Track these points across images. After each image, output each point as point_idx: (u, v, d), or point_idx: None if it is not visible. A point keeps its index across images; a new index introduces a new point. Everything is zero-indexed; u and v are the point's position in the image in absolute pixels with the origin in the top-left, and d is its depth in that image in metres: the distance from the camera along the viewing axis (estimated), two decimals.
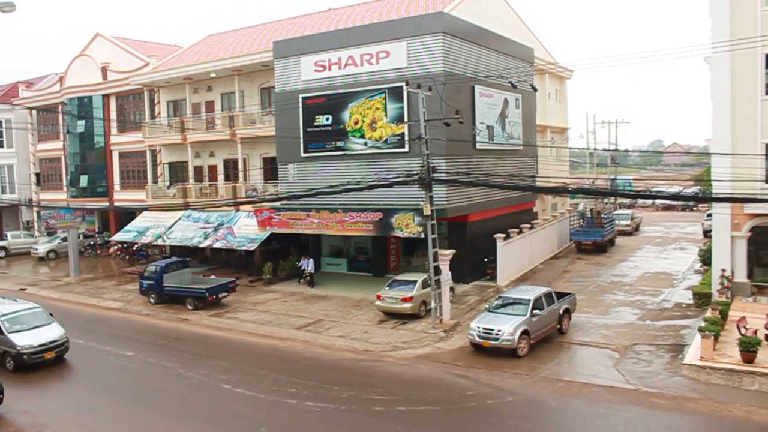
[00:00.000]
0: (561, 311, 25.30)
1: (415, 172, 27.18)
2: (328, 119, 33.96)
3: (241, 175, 41.29)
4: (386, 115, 32.07)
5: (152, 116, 47.93)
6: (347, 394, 19.70)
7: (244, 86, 41.50)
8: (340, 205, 32.19)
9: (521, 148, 38.28)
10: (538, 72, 45.19)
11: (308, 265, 35.36)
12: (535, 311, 23.53)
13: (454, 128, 28.66)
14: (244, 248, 36.85)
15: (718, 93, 27.86)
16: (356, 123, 33.03)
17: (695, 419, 17.66)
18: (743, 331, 21.58)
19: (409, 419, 17.72)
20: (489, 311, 24.43)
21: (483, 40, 34.59)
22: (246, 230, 37.42)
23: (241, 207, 38.40)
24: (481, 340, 23.06)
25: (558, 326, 25.15)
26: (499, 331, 22.69)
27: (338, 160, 33.82)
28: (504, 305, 24.31)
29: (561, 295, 26.05)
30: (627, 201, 67.99)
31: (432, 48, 31.00)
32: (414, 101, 28.43)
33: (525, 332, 22.94)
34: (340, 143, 33.65)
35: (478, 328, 23.21)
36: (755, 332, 21.40)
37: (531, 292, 24.81)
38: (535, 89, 40.22)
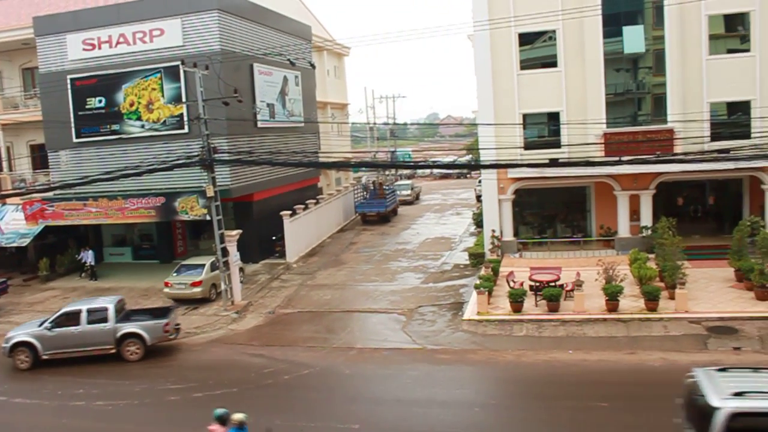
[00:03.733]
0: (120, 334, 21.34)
1: (196, 154, 26.55)
2: (101, 101, 32.02)
3: (5, 164, 37.71)
4: (163, 95, 30.91)
5: None
6: (140, 388, 19.00)
7: (2, 66, 37.78)
8: (119, 191, 30.60)
9: (303, 125, 38.69)
10: (317, 49, 45.77)
11: (88, 257, 33.26)
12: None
13: (234, 107, 28.32)
14: (14, 245, 33.81)
15: (480, 68, 30.09)
16: (132, 105, 31.50)
17: (475, 368, 19.32)
18: (512, 284, 23.80)
19: (205, 404, 17.43)
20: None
21: (260, 17, 34.35)
22: (16, 225, 34.22)
23: (8, 200, 35.10)
24: None
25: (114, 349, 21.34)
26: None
27: (115, 144, 32.07)
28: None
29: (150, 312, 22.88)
30: (407, 172, 71.13)
31: (208, 25, 30.27)
32: (191, 80, 27.65)
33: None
34: (115, 126, 31.92)
35: None
36: (521, 284, 23.73)
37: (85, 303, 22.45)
38: (313, 66, 40.75)
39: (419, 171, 74.39)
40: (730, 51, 28.69)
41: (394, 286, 28.67)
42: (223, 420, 12.42)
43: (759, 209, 28.81)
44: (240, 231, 27.86)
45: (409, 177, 69.19)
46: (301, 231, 35.48)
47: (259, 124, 33.33)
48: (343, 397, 17.93)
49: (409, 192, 55.38)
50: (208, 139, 25.78)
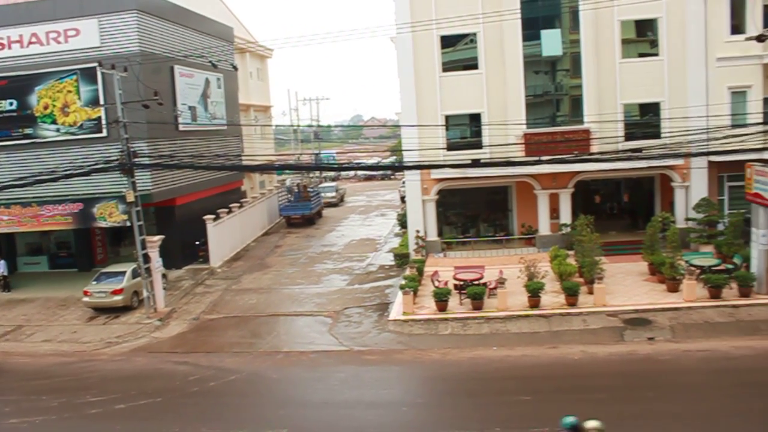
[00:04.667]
0: None
1: (115, 158, 25.87)
2: (12, 104, 30.77)
3: None
4: (80, 98, 29.97)
5: None
6: (58, 402, 18.28)
7: None
8: (34, 198, 29.43)
9: (226, 127, 38.18)
10: (239, 51, 45.27)
11: (1, 267, 31.90)
12: None
13: (155, 110, 27.73)
14: None
15: (403, 70, 30.38)
16: (46, 108, 30.41)
17: (402, 368, 19.51)
18: (436, 283, 24.13)
19: (129, 416, 17.07)
20: None
21: (181, 18, 33.72)
22: None
23: None
24: None
25: None
26: None
27: (28, 149, 30.84)
28: None
29: None
30: (331, 174, 71.09)
31: (126, 26, 29.52)
32: (109, 83, 26.93)
33: None
34: (29, 130, 30.71)
35: None
36: (446, 283, 24.09)
37: None
38: (235, 68, 40.29)
39: (344, 173, 74.47)
40: (641, 55, 29.87)
41: (320, 288, 28.63)
42: (576, 430, 10.62)
43: (669, 206, 30.10)
44: (162, 236, 27.29)
45: (333, 179, 69.16)
46: (225, 235, 35.02)
47: (181, 128, 32.73)
48: (271, 401, 17.80)
49: (333, 194, 55.38)
50: (127, 143, 25.17)
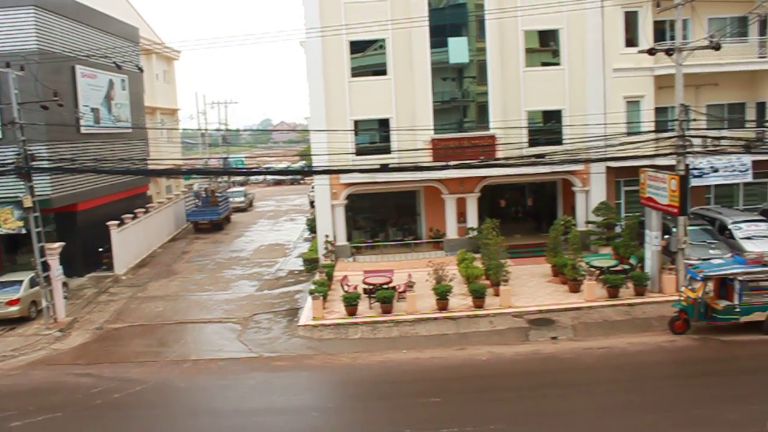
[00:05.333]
0: None
1: (10, 161, 24.73)
2: None
3: None
4: None
5: None
6: None
7: None
8: None
9: (130, 130, 37.10)
10: (145, 52, 44.12)
11: None
12: None
13: (55, 111, 26.63)
14: None
15: (313, 75, 30.37)
16: None
17: (312, 373, 19.48)
18: (346, 288, 24.23)
19: None
20: None
21: (83, 16, 32.52)
22: None
23: None
24: None
25: None
26: None
27: None
28: None
29: None
30: (240, 178, 70.18)
31: (23, 23, 28.16)
32: (5, 82, 25.68)
33: None
34: None
35: None
36: (355, 288, 24.23)
37: None
38: (141, 70, 39.22)
39: (253, 178, 73.74)
40: (544, 64, 30.95)
41: (229, 294, 28.24)
42: None
43: (571, 209, 31.28)
44: (62, 243, 26.23)
45: (242, 184, 68.36)
46: (130, 241, 34.02)
47: (83, 130, 31.54)
48: (179, 411, 17.44)
49: (242, 199, 54.71)
50: (24, 145, 24.11)
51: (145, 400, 17.95)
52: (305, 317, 23.73)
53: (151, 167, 38.08)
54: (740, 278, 19.78)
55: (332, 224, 30.89)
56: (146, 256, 35.97)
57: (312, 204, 44.38)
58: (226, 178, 62.66)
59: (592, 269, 24.65)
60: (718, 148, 26.25)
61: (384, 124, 30.66)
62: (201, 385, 19.08)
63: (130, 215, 34.36)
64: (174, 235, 42.12)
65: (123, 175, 33.75)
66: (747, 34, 30.74)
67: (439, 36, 29.84)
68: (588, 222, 30.11)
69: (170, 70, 53.26)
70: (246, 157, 73.11)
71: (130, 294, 29.02)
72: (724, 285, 20.50)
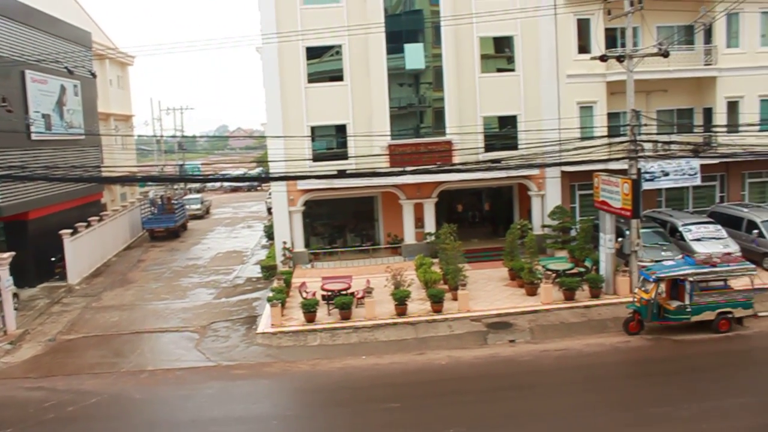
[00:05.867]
0: None
1: None
2: None
3: None
4: None
5: None
6: None
7: None
8: None
9: (83, 137, 36.41)
10: (98, 57, 43.38)
11: None
12: None
13: (4, 117, 26.11)
14: None
15: (269, 81, 30.26)
16: None
17: (271, 381, 19.37)
18: (304, 295, 24.15)
19: None
20: None
21: (32, 20, 31.81)
22: None
23: None
24: None
25: None
26: None
27: None
28: None
29: None
30: (197, 185, 69.46)
31: None
32: None
33: None
34: None
35: None
36: (314, 294, 24.18)
37: None
38: (94, 75, 38.58)
39: (209, 184, 72.96)
40: (499, 70, 31.34)
41: (186, 303, 27.90)
42: None
43: (527, 213, 31.70)
44: (13, 253, 25.60)
45: (198, 191, 67.73)
46: (84, 250, 33.37)
47: (34, 137, 30.84)
48: (135, 423, 17.12)
49: (199, 206, 54.16)
50: None
51: (101, 412, 17.61)
52: (264, 325, 23.57)
53: (105, 174, 37.40)
54: (691, 279, 20.26)
55: (290, 231, 30.78)
56: (101, 265, 35.33)
57: (269, 211, 44.17)
58: (182, 185, 61.91)
59: (549, 272, 25.00)
60: (668, 152, 26.82)
61: (341, 129, 30.68)
62: (158, 395, 18.80)
63: (84, 223, 33.71)
64: (129, 244, 41.47)
65: (76, 183, 33.11)
66: (693, 42, 31.58)
67: (395, 42, 30.00)
68: (544, 226, 30.55)
69: (125, 75, 52.45)
70: (202, 164, 72.55)
71: (84, 304, 28.46)
72: (675, 286, 20.98)
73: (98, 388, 19.14)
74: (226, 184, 71.77)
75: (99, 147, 39.72)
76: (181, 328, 24.49)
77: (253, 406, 17.50)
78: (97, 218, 36.01)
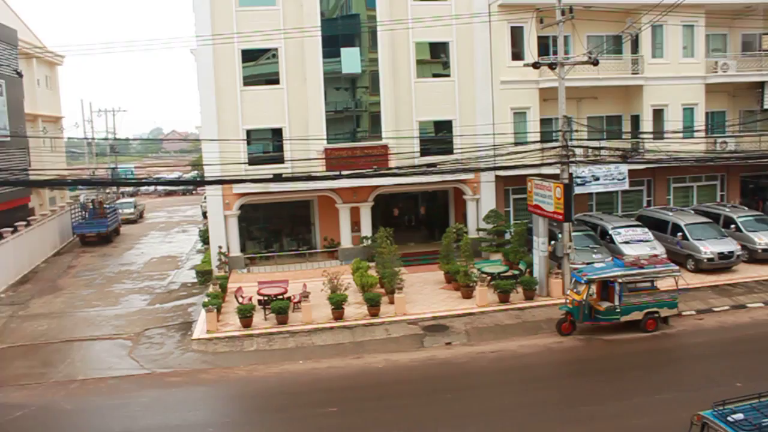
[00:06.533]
0: None
1: None
2: None
3: None
4: None
5: None
6: None
7: None
8: None
9: (9, 139, 35.23)
10: (25, 56, 42.05)
11: None
12: None
13: None
14: None
15: (204, 83, 29.87)
16: None
17: (207, 388, 19.11)
18: (240, 299, 23.91)
19: None
20: None
21: None
22: None
23: None
24: None
25: None
26: None
27: None
28: None
29: None
30: (130, 189, 68.02)
31: None
32: None
33: None
34: None
35: None
36: (250, 299, 23.97)
37: None
38: (20, 75, 37.42)
39: (143, 188, 71.62)
40: (435, 75, 31.70)
41: (119, 310, 27.27)
42: None
43: (462, 217, 32.14)
44: None
45: (132, 195, 66.32)
46: (10, 256, 32.26)
47: None
48: None
49: (132, 210, 53.07)
50: None
51: (28, 425, 17.03)
52: (199, 330, 23.24)
53: (32, 178, 36.20)
54: (620, 280, 20.90)
55: (225, 235, 30.45)
56: (28, 271, 34.21)
57: (205, 215, 43.52)
58: (114, 188, 60.53)
59: (484, 275, 25.39)
60: (598, 157, 27.64)
61: (277, 133, 30.52)
62: (89, 406, 18.31)
63: (10, 229, 32.61)
64: (59, 249, 40.27)
65: (1, 186, 32.00)
66: (622, 51, 32.61)
67: (332, 46, 30.02)
68: (479, 229, 31.01)
69: (53, 75, 50.94)
70: (136, 167, 71.04)
71: (10, 312, 27.49)
72: (605, 287, 21.60)
73: (25, 401, 18.51)
74: (160, 187, 70.52)
75: (26, 149, 38.46)
76: (114, 336, 23.92)
77: (189, 414, 17.26)
78: (24, 223, 34.89)
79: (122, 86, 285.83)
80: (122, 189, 64.77)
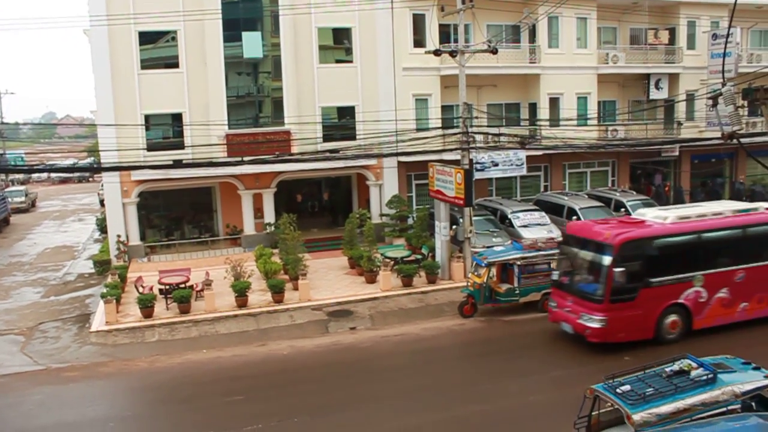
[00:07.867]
0: None
1: None
2: None
3: None
4: None
5: None
6: None
7: None
8: None
9: None
10: None
11: None
12: None
13: None
14: None
15: (99, 66, 28.73)
16: None
17: (107, 381, 18.55)
18: (141, 289, 23.32)
19: None
20: None
21: None
22: None
23: None
24: None
25: None
26: None
27: None
28: None
29: None
30: (20, 177, 64.85)
31: None
32: None
33: None
34: None
35: None
36: (151, 289, 23.42)
37: None
38: None
39: (35, 175, 68.37)
40: (338, 61, 31.67)
41: (9, 304, 26.02)
42: None
43: (366, 203, 32.41)
44: None
45: (22, 182, 63.33)
46: None
47: None
48: None
49: (23, 199, 50.65)
50: None
51: None
52: (98, 323, 22.51)
53: None
54: (519, 263, 21.64)
55: (124, 223, 29.51)
56: None
57: (102, 203, 42.09)
58: (3, 176, 57.58)
59: (387, 260, 25.72)
60: (497, 144, 28.42)
61: (177, 118, 29.73)
62: None
63: None
64: None
65: None
66: (520, 41, 33.56)
67: (233, 30, 29.49)
68: (382, 215, 31.33)
69: None
70: (27, 153, 67.53)
71: None
72: (505, 270, 22.31)
73: None
74: (54, 174, 67.60)
75: None
76: (4, 332, 22.81)
77: (88, 410, 16.72)
78: None
79: (10, 67, 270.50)
80: (12, 177, 61.66)
